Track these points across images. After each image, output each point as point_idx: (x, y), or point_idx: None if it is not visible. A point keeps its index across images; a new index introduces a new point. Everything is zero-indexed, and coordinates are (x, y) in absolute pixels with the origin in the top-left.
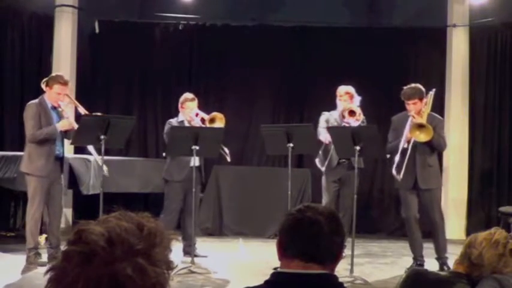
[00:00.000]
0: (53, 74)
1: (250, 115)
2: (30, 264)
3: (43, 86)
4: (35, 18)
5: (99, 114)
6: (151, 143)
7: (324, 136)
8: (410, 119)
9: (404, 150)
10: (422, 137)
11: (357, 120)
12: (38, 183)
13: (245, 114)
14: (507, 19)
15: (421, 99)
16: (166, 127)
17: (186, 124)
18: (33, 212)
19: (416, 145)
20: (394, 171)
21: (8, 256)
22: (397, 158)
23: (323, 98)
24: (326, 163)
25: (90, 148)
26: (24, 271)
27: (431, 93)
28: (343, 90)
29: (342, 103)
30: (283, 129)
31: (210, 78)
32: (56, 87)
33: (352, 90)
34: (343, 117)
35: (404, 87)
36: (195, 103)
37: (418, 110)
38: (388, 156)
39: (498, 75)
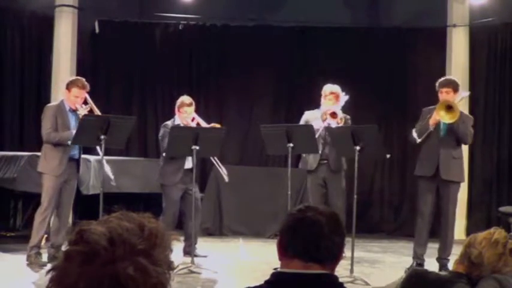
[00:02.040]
0: (73, 78)
1: (250, 115)
2: (31, 264)
3: (64, 89)
4: (35, 18)
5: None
6: (151, 143)
7: None
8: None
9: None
10: (447, 118)
11: (338, 123)
12: (52, 183)
13: (245, 114)
14: (507, 19)
15: (455, 91)
16: (162, 130)
17: None
18: (43, 211)
19: (442, 137)
20: (414, 134)
21: (8, 256)
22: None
23: None
24: (303, 164)
25: (99, 149)
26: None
27: (467, 94)
28: (328, 90)
29: (326, 103)
30: (283, 129)
31: (210, 78)
32: (74, 91)
33: (338, 89)
34: (325, 119)
35: (442, 78)
36: (192, 108)
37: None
38: (388, 156)
39: (498, 75)
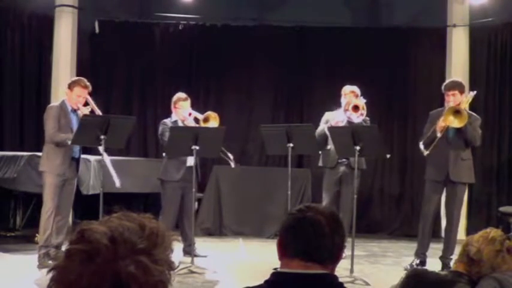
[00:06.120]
0: (76, 78)
1: (250, 115)
2: (42, 265)
3: (65, 89)
4: (35, 18)
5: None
6: (151, 143)
7: (320, 128)
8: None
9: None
10: (456, 122)
11: (361, 115)
12: (54, 181)
13: (245, 114)
14: (507, 19)
15: (461, 92)
16: (161, 127)
17: (180, 124)
18: (47, 209)
19: (451, 139)
20: (421, 146)
21: (8, 256)
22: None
23: (323, 98)
24: (324, 161)
25: (101, 150)
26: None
27: (472, 93)
28: (348, 89)
29: (346, 100)
30: (283, 129)
31: (210, 78)
32: (77, 90)
33: (357, 90)
34: (347, 109)
35: (447, 81)
36: (188, 102)
37: (457, 102)
38: (388, 156)
39: (498, 75)
